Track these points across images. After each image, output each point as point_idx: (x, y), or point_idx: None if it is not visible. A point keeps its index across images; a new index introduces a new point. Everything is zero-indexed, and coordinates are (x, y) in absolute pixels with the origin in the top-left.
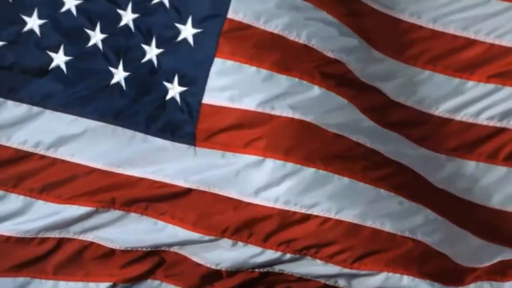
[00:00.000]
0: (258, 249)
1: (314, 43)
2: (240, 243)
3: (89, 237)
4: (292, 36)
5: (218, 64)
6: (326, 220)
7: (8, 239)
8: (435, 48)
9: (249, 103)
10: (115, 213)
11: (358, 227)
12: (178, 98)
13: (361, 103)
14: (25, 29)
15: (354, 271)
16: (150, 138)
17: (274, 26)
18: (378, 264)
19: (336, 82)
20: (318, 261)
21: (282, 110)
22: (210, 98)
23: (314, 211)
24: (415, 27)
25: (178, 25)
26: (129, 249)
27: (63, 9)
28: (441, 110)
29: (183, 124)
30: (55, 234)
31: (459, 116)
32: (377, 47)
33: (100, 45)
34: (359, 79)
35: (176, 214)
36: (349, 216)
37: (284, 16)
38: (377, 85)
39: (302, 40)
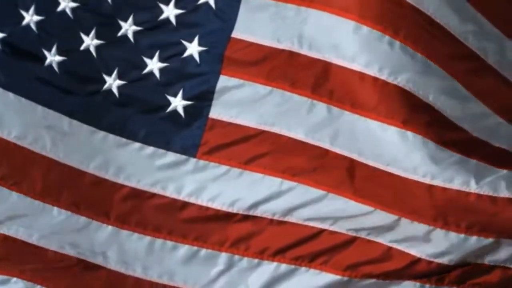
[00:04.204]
0: None
1: None
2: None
3: None
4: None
5: (224, 81)
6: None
7: None
8: None
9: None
10: None
11: None
12: (181, 111)
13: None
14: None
15: None
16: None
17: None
18: None
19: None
20: None
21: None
22: (216, 113)
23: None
24: None
25: (185, 42)
26: None
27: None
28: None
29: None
30: None
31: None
32: None
33: (93, 52)
34: None
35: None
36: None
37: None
38: None
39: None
